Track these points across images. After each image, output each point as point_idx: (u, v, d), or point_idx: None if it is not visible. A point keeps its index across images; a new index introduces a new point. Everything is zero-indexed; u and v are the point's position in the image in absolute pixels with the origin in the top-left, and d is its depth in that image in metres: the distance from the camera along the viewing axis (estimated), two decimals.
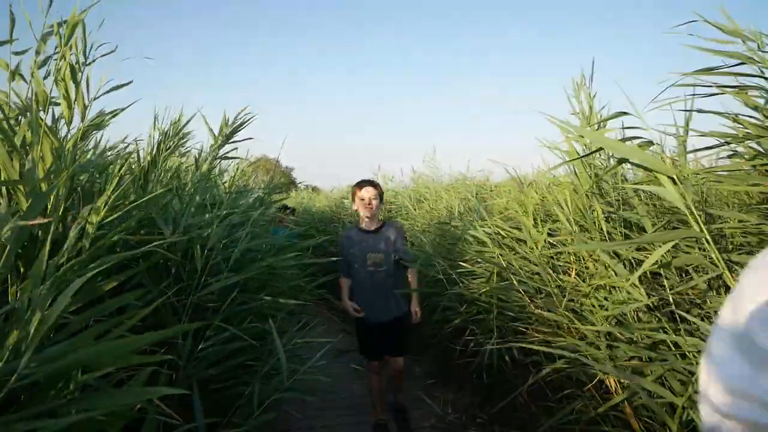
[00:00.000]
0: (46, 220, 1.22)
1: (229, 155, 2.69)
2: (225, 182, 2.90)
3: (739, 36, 1.51)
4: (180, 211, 1.76)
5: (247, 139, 2.70)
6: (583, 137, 2.31)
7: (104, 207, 1.39)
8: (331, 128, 66.88)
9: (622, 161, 1.47)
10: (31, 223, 1.07)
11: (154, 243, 1.45)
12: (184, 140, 2.27)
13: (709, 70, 1.55)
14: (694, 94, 1.61)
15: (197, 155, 2.51)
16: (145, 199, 1.63)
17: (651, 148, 1.48)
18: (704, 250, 1.76)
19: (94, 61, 1.67)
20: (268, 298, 1.92)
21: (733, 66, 1.55)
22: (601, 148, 1.45)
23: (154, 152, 1.93)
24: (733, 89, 1.56)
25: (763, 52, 1.48)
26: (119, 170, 1.66)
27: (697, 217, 1.28)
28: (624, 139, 1.51)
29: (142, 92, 2.14)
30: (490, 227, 3.08)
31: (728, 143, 1.62)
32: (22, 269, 1.34)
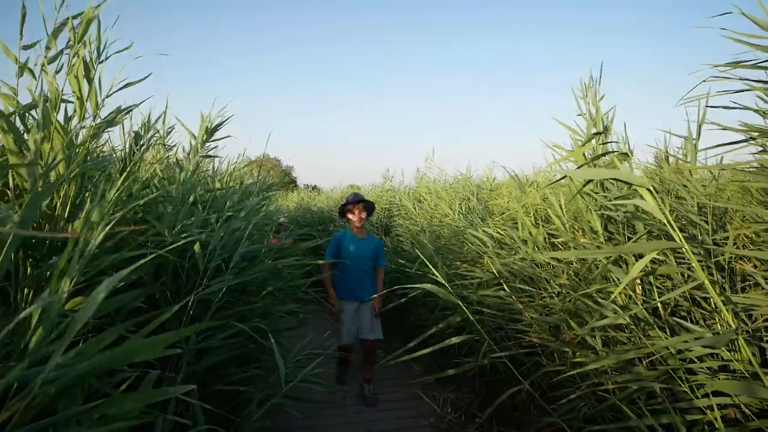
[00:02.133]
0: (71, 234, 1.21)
1: (211, 154, 2.68)
2: (219, 180, 2.90)
3: None
4: (173, 212, 1.76)
5: (226, 137, 2.70)
6: (587, 135, 2.31)
7: (108, 206, 1.38)
8: (331, 128, 67.01)
9: (586, 181, 1.47)
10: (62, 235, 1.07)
11: (159, 245, 1.45)
12: (157, 138, 2.24)
13: (738, 64, 1.49)
14: (718, 92, 1.55)
15: (181, 154, 2.50)
16: (143, 201, 1.63)
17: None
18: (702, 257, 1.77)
19: (107, 58, 1.63)
20: (267, 301, 1.92)
21: (765, 60, 1.48)
22: (564, 177, 1.45)
23: (126, 151, 1.90)
24: (764, 84, 1.51)
25: None
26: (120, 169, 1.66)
27: (675, 227, 1.29)
28: (601, 155, 1.51)
29: (153, 91, 2.11)
30: (490, 227, 3.08)
31: (754, 139, 1.57)
32: (26, 268, 1.34)
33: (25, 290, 1.32)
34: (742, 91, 1.52)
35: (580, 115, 2.44)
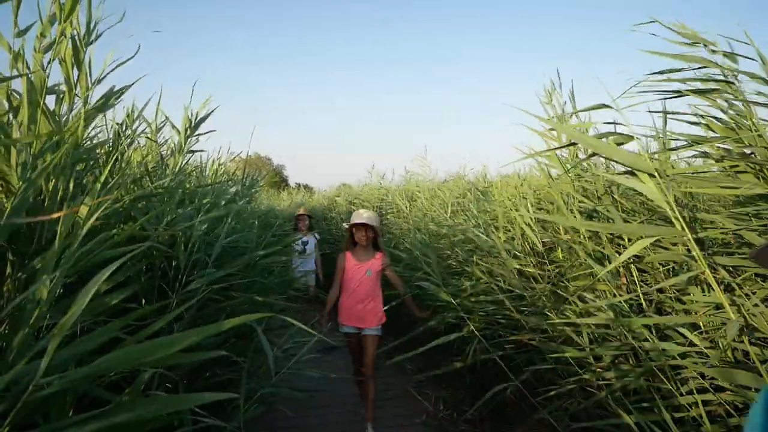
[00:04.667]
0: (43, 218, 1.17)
1: (197, 148, 2.62)
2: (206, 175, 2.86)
3: (699, 40, 1.51)
4: (160, 207, 1.73)
5: (210, 131, 2.62)
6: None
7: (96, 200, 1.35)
8: (325, 128, 66.97)
9: (592, 155, 1.43)
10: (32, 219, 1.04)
11: (143, 241, 1.43)
12: (139, 131, 2.19)
13: (672, 72, 1.54)
14: (662, 97, 1.60)
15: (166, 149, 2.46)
16: (136, 195, 1.61)
17: (629, 144, 1.47)
18: (687, 249, 1.78)
19: (98, 36, 1.51)
20: (255, 296, 1.91)
21: (696, 69, 1.56)
22: (574, 143, 1.43)
23: (110, 144, 1.84)
24: (699, 92, 1.57)
25: (725, 56, 1.50)
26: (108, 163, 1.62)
27: (678, 215, 1.26)
28: (600, 135, 1.48)
29: (150, 89, 2.05)
30: (483, 226, 3.10)
31: (697, 144, 1.62)
32: (12, 260, 1.31)
33: (13, 288, 1.30)
34: (680, 95, 1.57)
35: (547, 120, 2.50)
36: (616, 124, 1.97)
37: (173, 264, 1.69)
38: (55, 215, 0.83)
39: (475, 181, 5.92)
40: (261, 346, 1.54)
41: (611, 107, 1.52)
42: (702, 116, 1.66)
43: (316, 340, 2.06)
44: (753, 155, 1.50)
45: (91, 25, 1.47)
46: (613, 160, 1.34)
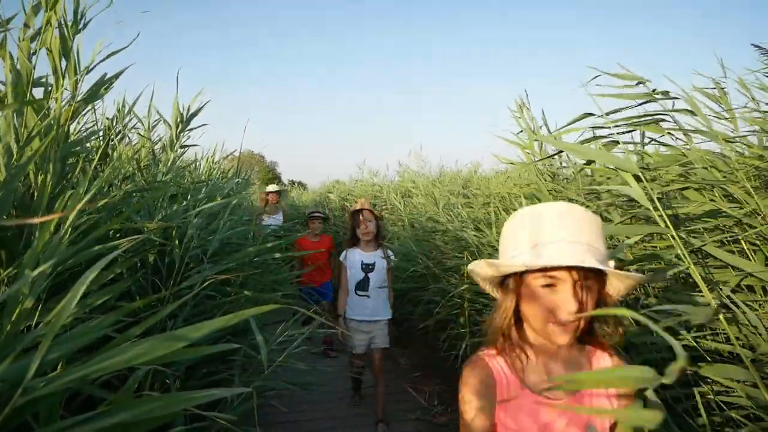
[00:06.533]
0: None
1: (189, 143, 2.58)
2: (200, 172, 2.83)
3: (637, 79, 1.58)
4: (153, 203, 1.70)
5: (203, 125, 2.58)
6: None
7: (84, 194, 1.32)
8: (318, 125, 66.75)
9: (589, 163, 1.46)
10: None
11: (136, 236, 1.41)
12: (130, 126, 2.15)
13: (620, 111, 1.62)
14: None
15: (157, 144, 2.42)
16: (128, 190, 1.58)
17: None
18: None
19: (86, 25, 1.47)
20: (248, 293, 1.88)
21: (640, 104, 1.64)
22: (561, 151, 1.45)
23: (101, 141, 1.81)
24: (645, 123, 1.64)
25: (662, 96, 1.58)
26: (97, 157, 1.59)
27: (663, 212, 1.29)
28: (586, 141, 1.49)
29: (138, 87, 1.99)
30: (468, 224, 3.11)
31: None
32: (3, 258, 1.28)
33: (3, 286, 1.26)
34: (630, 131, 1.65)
35: (519, 132, 2.57)
36: (597, 127, 2.01)
37: (166, 261, 1.66)
38: (37, 220, 0.80)
39: (467, 176, 5.94)
40: (255, 342, 1.52)
41: (595, 114, 1.54)
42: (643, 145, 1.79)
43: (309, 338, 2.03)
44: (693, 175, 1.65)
45: (79, 14, 1.43)
46: (606, 167, 1.35)
